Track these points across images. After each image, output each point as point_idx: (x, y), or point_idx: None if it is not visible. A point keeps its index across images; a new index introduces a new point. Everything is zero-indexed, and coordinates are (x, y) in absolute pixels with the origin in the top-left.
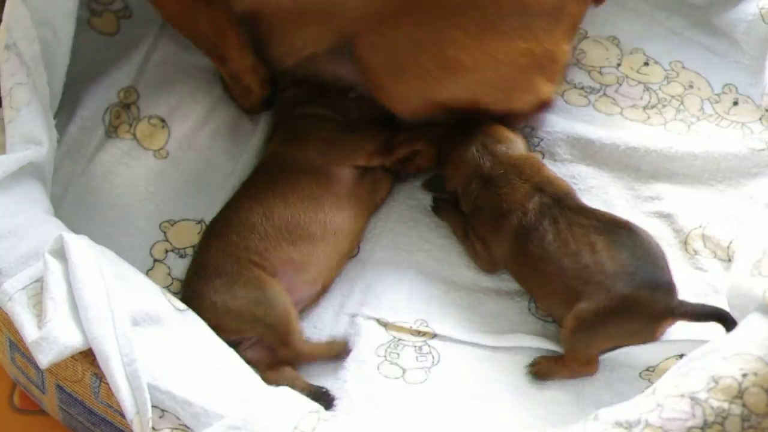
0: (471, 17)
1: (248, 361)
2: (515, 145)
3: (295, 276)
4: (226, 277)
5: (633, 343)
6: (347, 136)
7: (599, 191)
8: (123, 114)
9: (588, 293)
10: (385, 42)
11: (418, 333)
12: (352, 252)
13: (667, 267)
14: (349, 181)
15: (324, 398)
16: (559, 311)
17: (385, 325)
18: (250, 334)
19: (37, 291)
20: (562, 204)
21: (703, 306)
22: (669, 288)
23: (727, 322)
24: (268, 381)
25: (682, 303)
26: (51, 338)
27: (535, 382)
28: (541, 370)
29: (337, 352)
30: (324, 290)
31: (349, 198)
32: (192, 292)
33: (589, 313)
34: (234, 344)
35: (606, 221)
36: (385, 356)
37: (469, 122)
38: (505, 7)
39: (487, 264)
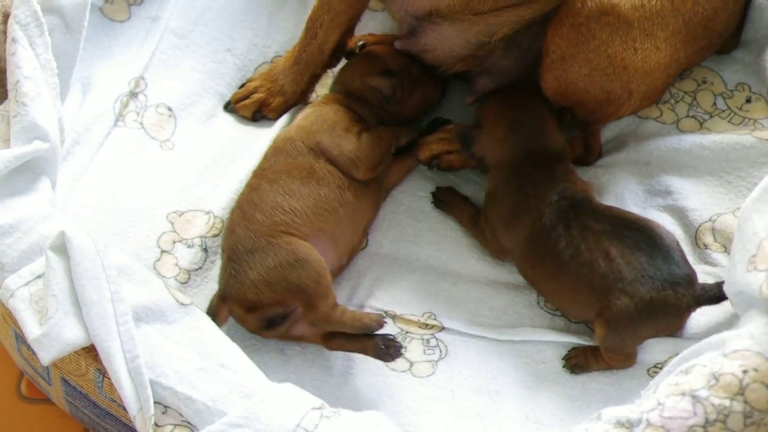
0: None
1: (301, 338)
2: (556, 140)
3: (328, 245)
4: (259, 254)
5: (663, 336)
6: (354, 144)
7: (611, 186)
8: (131, 103)
9: (612, 301)
10: (574, 36)
11: (426, 326)
12: (367, 229)
13: (683, 257)
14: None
15: (391, 345)
16: (575, 314)
17: (393, 317)
18: (291, 303)
19: (40, 287)
20: (577, 208)
21: (720, 286)
22: (689, 280)
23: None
24: (332, 348)
25: (704, 289)
26: (53, 335)
27: (543, 377)
28: (579, 364)
29: (369, 325)
30: (346, 265)
31: (360, 186)
32: (230, 279)
33: (618, 319)
34: (281, 320)
35: (618, 223)
36: None
37: (523, 95)
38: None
39: (496, 252)
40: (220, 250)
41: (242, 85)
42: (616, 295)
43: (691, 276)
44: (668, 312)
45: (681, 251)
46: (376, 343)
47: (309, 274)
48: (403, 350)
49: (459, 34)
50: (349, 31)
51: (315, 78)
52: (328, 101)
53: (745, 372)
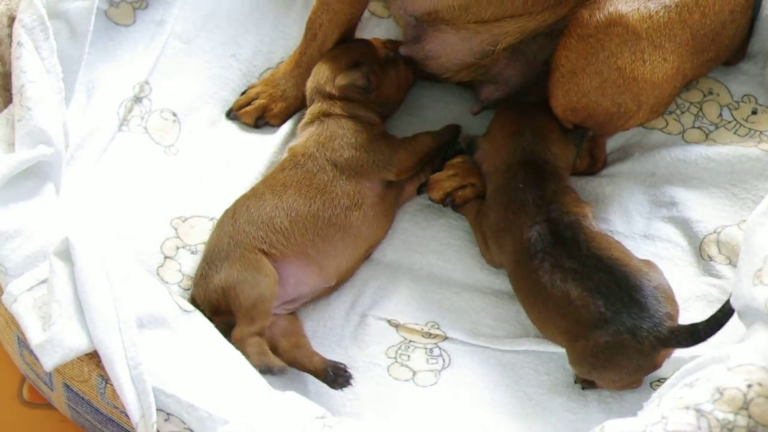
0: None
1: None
2: (562, 156)
3: (307, 269)
4: (229, 262)
5: (643, 376)
6: (382, 148)
7: (616, 196)
8: (135, 107)
9: (572, 342)
10: (584, 47)
11: (430, 335)
12: (370, 251)
13: (660, 299)
14: (376, 191)
15: (341, 374)
16: (550, 339)
17: (397, 326)
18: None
19: (43, 292)
20: (558, 237)
21: (697, 333)
22: (656, 324)
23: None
24: (287, 357)
25: (674, 332)
26: (56, 341)
27: (545, 387)
28: (589, 381)
29: (259, 366)
30: (338, 285)
31: (374, 206)
32: (200, 279)
33: (580, 361)
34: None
35: (589, 262)
36: (395, 358)
37: (534, 106)
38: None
39: (488, 258)
40: None
41: (244, 92)
42: (575, 337)
43: (660, 320)
44: (629, 355)
45: (661, 293)
46: (326, 370)
47: (251, 294)
48: (352, 381)
49: (462, 42)
50: (349, 31)
51: None
52: (326, 116)
53: (749, 386)
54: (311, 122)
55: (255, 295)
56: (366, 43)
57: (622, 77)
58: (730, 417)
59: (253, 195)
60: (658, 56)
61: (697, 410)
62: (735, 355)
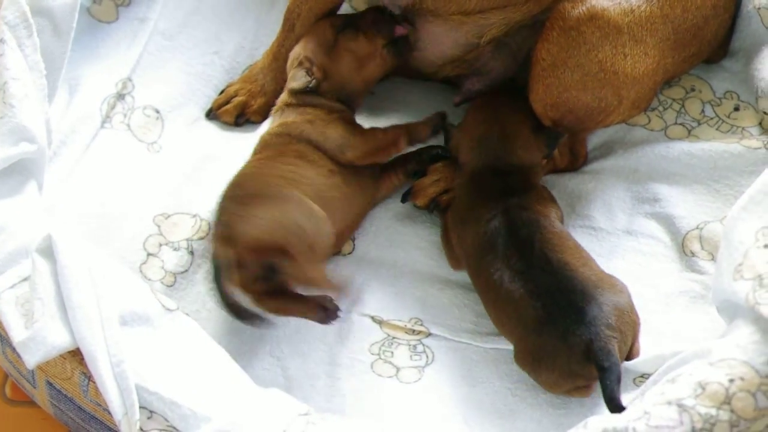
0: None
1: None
2: (529, 158)
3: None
4: (272, 200)
5: (579, 383)
6: (339, 132)
7: (599, 192)
8: (118, 104)
9: (518, 338)
10: (565, 40)
11: (413, 332)
12: (356, 225)
13: (602, 313)
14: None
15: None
16: (503, 335)
17: (380, 323)
18: (295, 249)
19: (26, 290)
20: (511, 236)
21: (611, 376)
22: (592, 335)
23: (612, 407)
24: (271, 310)
25: (600, 352)
26: (38, 338)
27: (529, 383)
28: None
29: (338, 290)
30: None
31: (349, 180)
32: (238, 221)
33: (521, 358)
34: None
35: (536, 262)
36: (379, 354)
37: (507, 105)
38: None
39: (450, 258)
40: (206, 253)
41: (222, 91)
42: (518, 337)
43: (596, 330)
44: (560, 361)
45: (614, 311)
46: (317, 305)
47: (318, 227)
48: (339, 313)
49: (448, 33)
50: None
51: None
52: (288, 105)
53: (731, 381)
54: (277, 111)
55: (321, 226)
56: (331, 21)
57: (603, 71)
58: (713, 411)
59: (250, 166)
60: (640, 51)
61: (680, 405)
62: (717, 350)
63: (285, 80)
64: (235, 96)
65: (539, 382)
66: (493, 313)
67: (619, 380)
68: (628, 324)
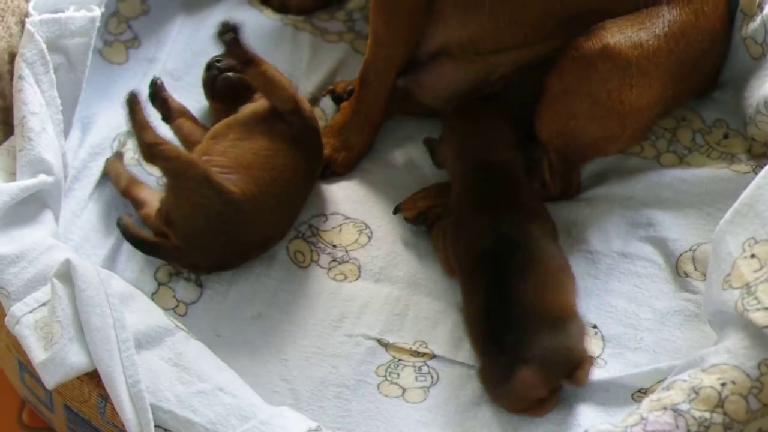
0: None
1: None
2: (511, 147)
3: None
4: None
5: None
6: None
7: (594, 218)
8: (129, 141)
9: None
10: (577, 69)
11: (418, 354)
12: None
13: (536, 336)
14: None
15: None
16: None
17: (386, 345)
18: None
19: (44, 314)
20: (496, 257)
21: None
22: (519, 350)
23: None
24: None
25: (529, 363)
26: (58, 360)
27: None
28: None
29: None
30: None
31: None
32: None
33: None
34: None
35: (499, 287)
36: (385, 376)
37: (483, 107)
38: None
39: (445, 265)
40: (216, 285)
41: None
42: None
43: (521, 352)
44: (493, 375)
45: (558, 342)
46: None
47: None
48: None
49: (458, 72)
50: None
51: (376, 128)
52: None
53: (723, 385)
54: None
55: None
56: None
57: (610, 100)
58: (706, 415)
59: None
60: (645, 82)
61: (675, 410)
62: (708, 357)
63: (368, 134)
64: None
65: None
66: (467, 328)
67: None
68: (560, 362)
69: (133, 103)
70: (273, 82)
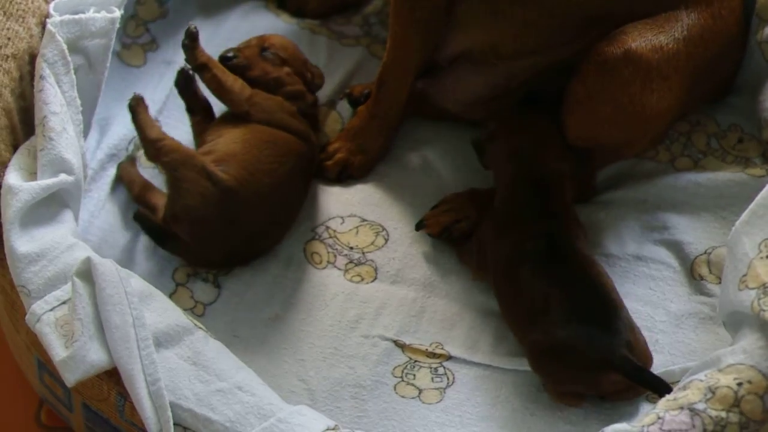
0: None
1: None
2: (562, 169)
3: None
4: None
5: (585, 391)
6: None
7: (609, 221)
8: None
9: (537, 331)
10: (600, 75)
11: (434, 355)
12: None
13: (625, 329)
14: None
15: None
16: (518, 335)
17: (402, 347)
18: None
19: (65, 312)
20: (551, 251)
21: (642, 371)
22: (613, 346)
23: (662, 391)
24: None
25: (624, 360)
26: (78, 357)
27: (546, 403)
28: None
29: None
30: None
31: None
32: None
33: (533, 349)
34: None
35: (577, 275)
36: (402, 377)
37: (536, 115)
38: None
39: (478, 269)
40: (233, 286)
41: (322, 149)
42: (537, 330)
43: (618, 342)
44: (574, 360)
45: (629, 327)
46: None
47: None
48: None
49: (478, 76)
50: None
51: (393, 131)
52: None
53: (739, 384)
54: None
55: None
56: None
57: (633, 104)
58: (723, 414)
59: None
60: (665, 86)
61: (691, 410)
62: (725, 357)
63: (385, 138)
64: (336, 153)
65: (542, 374)
66: (515, 313)
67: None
68: (638, 336)
69: (137, 104)
70: (223, 87)
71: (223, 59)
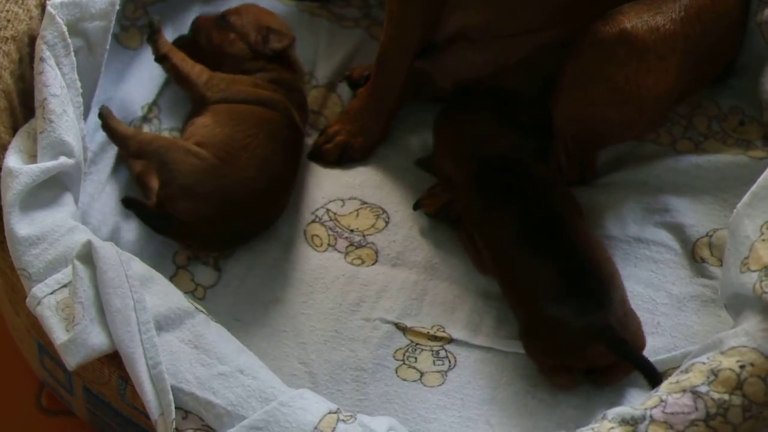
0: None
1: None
2: (509, 142)
3: None
4: None
5: (573, 363)
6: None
7: (610, 204)
8: (144, 126)
9: (530, 305)
10: (595, 55)
11: (435, 338)
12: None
13: (609, 298)
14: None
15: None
16: (513, 307)
17: (404, 330)
18: None
19: (65, 295)
20: (541, 227)
21: (626, 344)
22: (596, 313)
23: (644, 368)
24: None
25: (608, 330)
26: (79, 341)
27: (548, 386)
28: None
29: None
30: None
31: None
32: None
33: (526, 324)
34: None
35: (566, 248)
36: (403, 360)
37: (467, 102)
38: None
39: (478, 265)
40: (234, 269)
41: (322, 132)
42: (530, 304)
43: (604, 316)
44: (568, 332)
45: (614, 296)
46: None
47: None
48: None
49: (475, 55)
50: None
51: (392, 113)
52: None
53: (742, 367)
54: None
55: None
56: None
57: (628, 85)
58: (725, 397)
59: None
60: (662, 68)
61: (694, 392)
62: (727, 340)
63: (385, 120)
64: (336, 136)
65: (536, 351)
66: (512, 285)
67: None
68: (632, 318)
69: (105, 114)
70: (181, 74)
71: (175, 40)
